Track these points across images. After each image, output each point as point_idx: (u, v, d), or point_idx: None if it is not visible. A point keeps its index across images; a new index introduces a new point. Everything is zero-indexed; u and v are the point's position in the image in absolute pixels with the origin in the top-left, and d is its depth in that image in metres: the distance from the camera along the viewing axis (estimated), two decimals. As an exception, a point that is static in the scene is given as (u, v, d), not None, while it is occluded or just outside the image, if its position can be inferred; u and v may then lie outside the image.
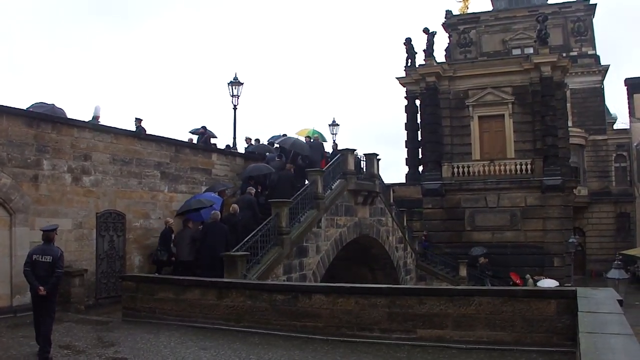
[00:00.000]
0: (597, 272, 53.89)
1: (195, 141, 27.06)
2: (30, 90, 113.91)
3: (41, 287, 12.13)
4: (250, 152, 29.53)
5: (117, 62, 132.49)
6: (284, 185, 24.35)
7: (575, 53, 57.94)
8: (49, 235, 12.84)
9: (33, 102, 21.14)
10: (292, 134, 29.61)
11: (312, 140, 29.15)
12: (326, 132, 36.97)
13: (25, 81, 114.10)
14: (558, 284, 35.00)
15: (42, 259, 12.38)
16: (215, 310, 15.45)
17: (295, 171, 25.86)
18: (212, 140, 28.66)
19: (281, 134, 31.23)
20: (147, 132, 23.75)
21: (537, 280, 36.89)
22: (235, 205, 21.97)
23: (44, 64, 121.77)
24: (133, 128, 24.38)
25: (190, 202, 22.82)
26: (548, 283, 35.04)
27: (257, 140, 30.95)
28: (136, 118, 25.67)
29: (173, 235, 21.39)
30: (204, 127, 28.53)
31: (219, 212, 21.09)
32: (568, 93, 53.42)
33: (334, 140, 38.75)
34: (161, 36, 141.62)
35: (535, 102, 43.08)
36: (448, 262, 38.84)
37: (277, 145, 29.32)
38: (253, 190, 23.61)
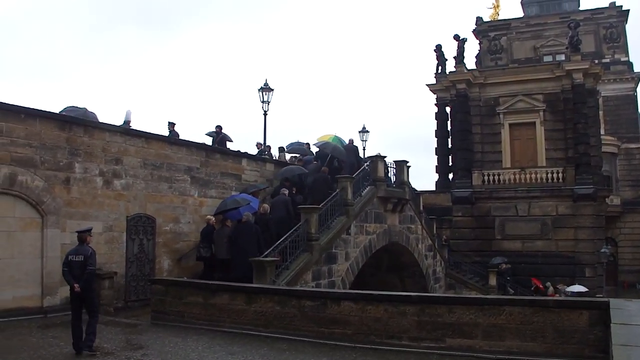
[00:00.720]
0: (629, 283, 53.54)
1: (210, 143, 26.72)
2: (69, 95, 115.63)
3: (76, 285, 12.81)
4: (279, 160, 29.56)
5: (154, 70, 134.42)
6: (320, 186, 24.41)
7: (607, 60, 57.46)
8: (82, 236, 13.48)
9: (65, 106, 21.31)
10: (314, 141, 29.62)
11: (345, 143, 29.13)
12: (356, 139, 36.70)
13: (65, 86, 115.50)
14: (587, 290, 35.45)
15: (75, 258, 13.12)
16: (243, 315, 15.45)
17: (330, 173, 25.86)
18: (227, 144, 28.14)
19: (303, 143, 31.45)
20: (180, 137, 23.89)
21: (560, 289, 36.79)
22: (266, 205, 22.32)
23: (83, 70, 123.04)
24: (166, 132, 24.55)
25: (227, 201, 23.10)
26: (578, 288, 35.71)
27: (268, 147, 31.46)
28: (169, 122, 25.84)
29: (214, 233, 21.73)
30: (219, 127, 27.78)
31: (250, 213, 21.30)
32: (600, 100, 52.99)
33: (364, 147, 38.73)
34: (198, 46, 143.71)
35: (567, 109, 42.73)
36: (478, 270, 38.58)
37: (316, 149, 29.30)
38: (286, 191, 23.66)
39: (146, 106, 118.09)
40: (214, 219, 22.17)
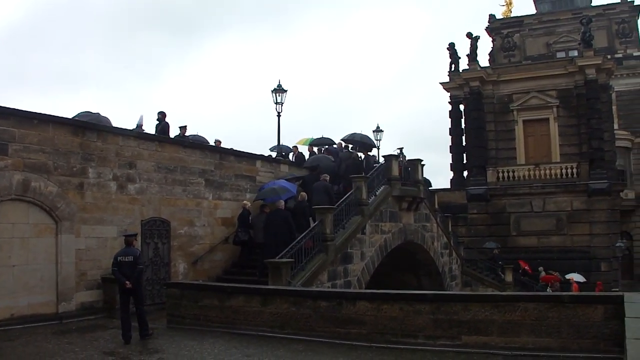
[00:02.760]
0: (645, 277, 53.20)
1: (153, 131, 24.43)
2: (91, 102, 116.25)
3: (127, 282, 14.65)
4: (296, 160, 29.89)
5: (177, 76, 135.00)
6: (353, 171, 25.99)
7: (620, 55, 57.07)
8: (129, 239, 15.54)
9: (79, 111, 21.38)
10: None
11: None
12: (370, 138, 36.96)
13: (88, 93, 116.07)
14: (585, 280, 36.88)
15: (125, 259, 14.96)
16: (259, 317, 15.46)
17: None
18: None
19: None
20: (170, 128, 23.95)
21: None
22: (304, 193, 23.68)
23: (108, 77, 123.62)
24: (177, 134, 24.57)
25: (265, 188, 24.34)
26: (577, 277, 36.94)
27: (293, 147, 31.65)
28: (159, 112, 25.11)
29: (250, 218, 22.94)
30: (162, 113, 25.09)
31: (283, 201, 22.41)
32: (613, 95, 52.68)
33: (378, 147, 38.85)
34: (220, 52, 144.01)
35: (580, 105, 42.75)
36: (493, 267, 38.47)
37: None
38: (327, 177, 24.72)
39: (171, 113, 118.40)
40: (249, 204, 23.52)
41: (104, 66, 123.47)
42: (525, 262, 40.02)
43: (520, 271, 38.62)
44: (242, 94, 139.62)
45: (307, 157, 29.98)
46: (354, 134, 30.49)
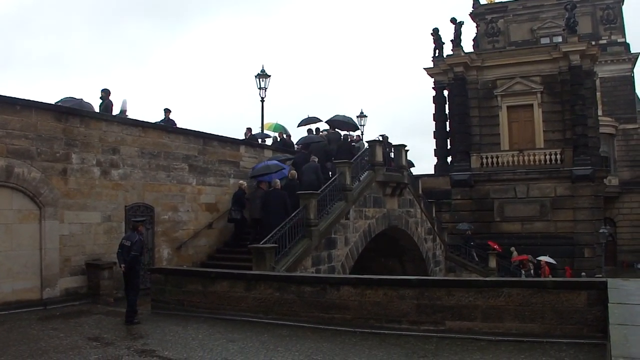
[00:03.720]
0: (628, 263, 53.60)
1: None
2: (78, 88, 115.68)
3: (122, 265, 15.52)
4: (279, 145, 29.80)
5: (165, 63, 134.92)
6: (343, 154, 26.57)
7: (604, 41, 57.20)
8: (135, 224, 16.17)
9: (62, 97, 21.26)
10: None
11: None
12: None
13: (75, 79, 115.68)
14: (555, 263, 37.83)
15: (125, 242, 15.66)
16: (243, 302, 15.46)
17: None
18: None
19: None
20: (177, 125, 23.85)
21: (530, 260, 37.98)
22: (294, 172, 24.29)
23: (95, 63, 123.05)
24: (162, 117, 24.50)
25: (258, 167, 24.96)
26: (547, 259, 37.60)
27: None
28: (165, 109, 25.58)
29: (245, 196, 23.88)
30: (105, 91, 23.37)
31: (278, 180, 23.27)
32: (597, 82, 52.92)
33: (362, 132, 38.82)
34: (208, 38, 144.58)
35: (565, 91, 42.92)
36: (477, 253, 38.60)
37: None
38: (316, 158, 25.10)
39: (157, 98, 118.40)
40: (245, 184, 24.18)
41: (90, 51, 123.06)
42: (494, 242, 40.27)
43: (489, 251, 38.71)
44: (229, 79, 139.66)
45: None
46: (336, 116, 30.47)
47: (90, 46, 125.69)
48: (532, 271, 36.21)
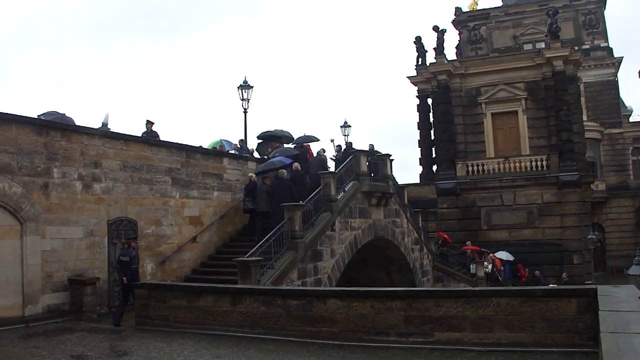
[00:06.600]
0: (618, 268, 53.52)
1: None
2: (68, 100, 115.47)
3: (124, 278, 17.39)
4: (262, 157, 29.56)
5: (157, 73, 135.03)
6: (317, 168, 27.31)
7: (587, 46, 57.60)
8: (128, 241, 18.57)
9: (44, 111, 21.10)
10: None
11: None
12: (338, 134, 37.04)
13: (67, 91, 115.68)
14: (513, 259, 39.07)
15: (123, 258, 17.66)
16: (229, 316, 15.26)
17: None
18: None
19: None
20: (160, 138, 23.60)
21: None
22: (297, 164, 25.56)
23: (87, 74, 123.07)
24: (144, 130, 24.30)
25: (263, 165, 26.28)
26: (505, 256, 38.97)
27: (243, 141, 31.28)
28: (147, 121, 24.91)
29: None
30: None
31: (285, 171, 24.48)
32: (582, 87, 53.24)
33: (346, 142, 38.61)
34: (201, 48, 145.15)
35: (549, 97, 42.98)
36: (465, 262, 38.52)
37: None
38: (325, 155, 28.11)
39: (145, 110, 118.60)
40: (254, 176, 25.12)
41: (84, 64, 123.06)
42: (443, 233, 40.64)
43: (440, 242, 39.19)
44: (213, 89, 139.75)
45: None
46: (275, 130, 30.49)
47: (82, 58, 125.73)
48: (490, 266, 37.12)
